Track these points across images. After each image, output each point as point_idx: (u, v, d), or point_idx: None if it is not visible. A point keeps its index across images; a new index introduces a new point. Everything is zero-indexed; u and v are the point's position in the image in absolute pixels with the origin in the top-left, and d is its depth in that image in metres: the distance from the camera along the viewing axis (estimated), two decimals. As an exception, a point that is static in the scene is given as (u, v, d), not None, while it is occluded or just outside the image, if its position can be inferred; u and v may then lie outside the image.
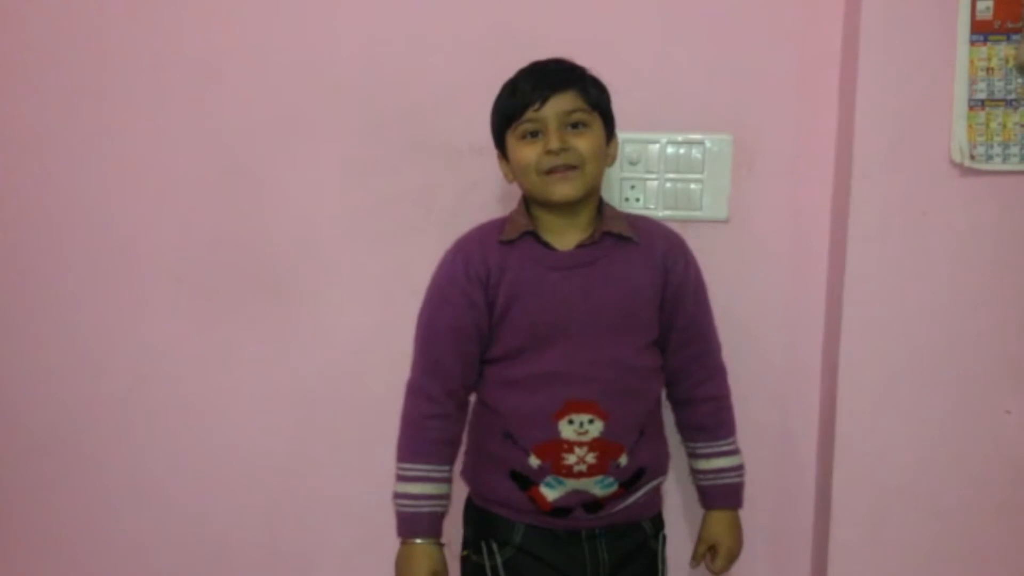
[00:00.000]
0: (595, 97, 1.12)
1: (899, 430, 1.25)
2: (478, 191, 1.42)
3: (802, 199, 1.35)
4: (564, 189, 1.09)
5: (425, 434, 1.15)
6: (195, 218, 1.51)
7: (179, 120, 1.50)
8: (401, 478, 1.16)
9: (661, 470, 1.20)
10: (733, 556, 1.22)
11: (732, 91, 1.35)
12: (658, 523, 1.22)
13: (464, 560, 1.21)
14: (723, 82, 1.35)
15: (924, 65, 1.21)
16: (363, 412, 1.50)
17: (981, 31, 1.19)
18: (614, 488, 1.12)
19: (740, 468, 1.23)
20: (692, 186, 1.36)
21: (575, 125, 1.10)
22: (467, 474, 1.22)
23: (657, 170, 1.36)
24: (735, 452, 1.23)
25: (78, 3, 1.51)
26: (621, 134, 1.34)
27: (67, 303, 1.57)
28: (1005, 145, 1.20)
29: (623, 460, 1.12)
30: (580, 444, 1.10)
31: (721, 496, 1.22)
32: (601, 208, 1.17)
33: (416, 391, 1.16)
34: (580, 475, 1.11)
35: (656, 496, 1.21)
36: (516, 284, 1.12)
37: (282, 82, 1.46)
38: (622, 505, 1.15)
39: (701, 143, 1.35)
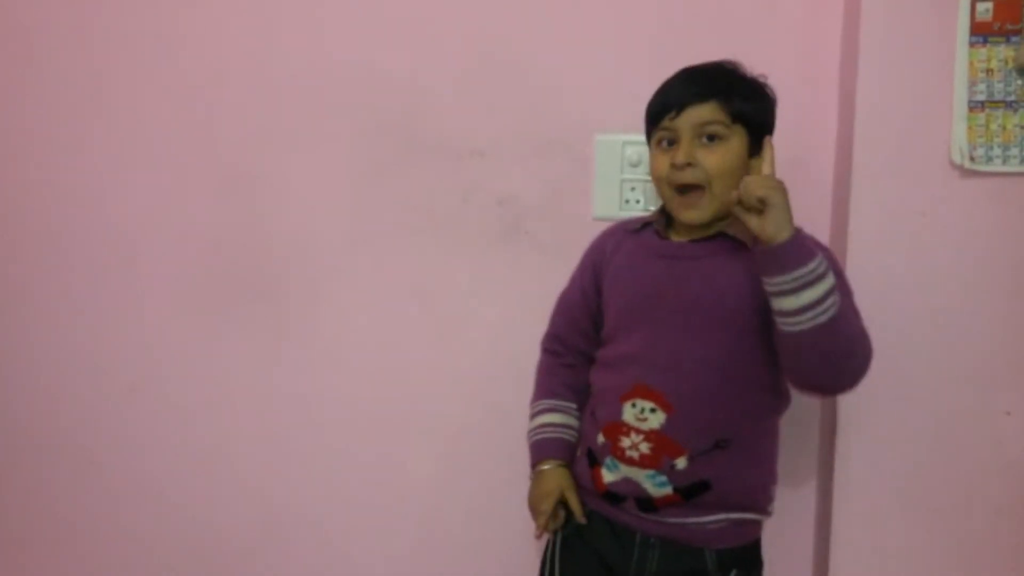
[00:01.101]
0: (739, 108, 1.07)
1: (899, 431, 1.25)
2: (478, 194, 1.43)
3: (802, 200, 1.35)
4: (691, 215, 1.09)
5: (548, 377, 1.25)
6: (195, 221, 1.51)
7: (179, 124, 1.50)
8: (532, 416, 1.25)
9: (743, 500, 1.11)
10: (761, 184, 1.00)
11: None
12: (728, 560, 1.10)
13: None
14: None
15: (924, 67, 1.21)
16: (363, 414, 1.50)
17: (981, 33, 1.19)
18: (667, 490, 1.08)
19: (825, 263, 0.99)
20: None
21: (711, 137, 1.07)
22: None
23: (657, 172, 1.36)
24: (833, 286, 0.99)
25: (78, 6, 1.51)
26: (622, 136, 1.34)
27: (67, 305, 1.57)
28: (1005, 147, 1.20)
29: (681, 463, 1.07)
30: (637, 431, 1.08)
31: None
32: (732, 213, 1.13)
33: (542, 347, 1.29)
34: (632, 462, 1.09)
35: (736, 529, 1.11)
36: (620, 267, 1.15)
37: (282, 86, 1.46)
38: (680, 520, 1.09)
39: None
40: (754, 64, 1.34)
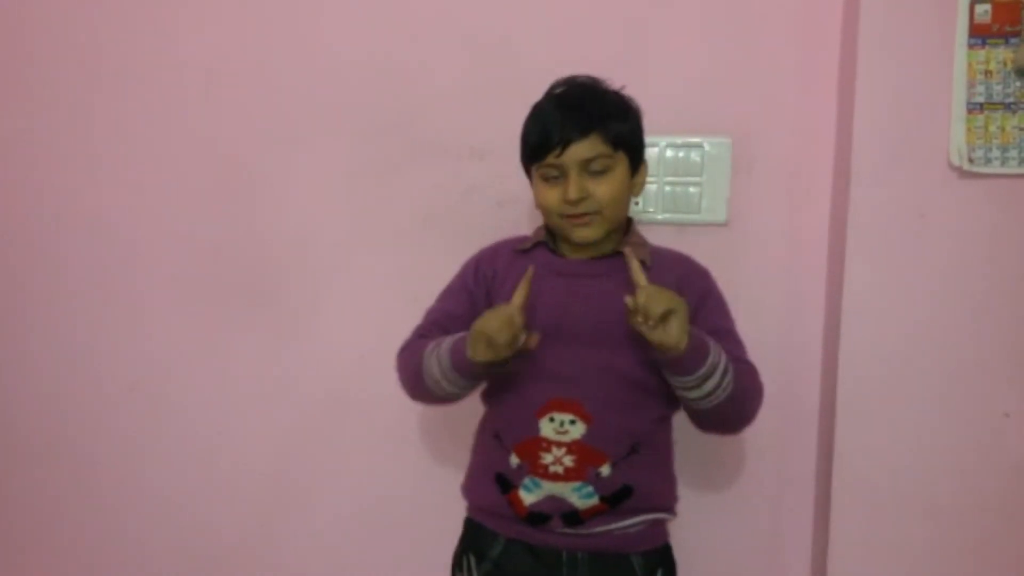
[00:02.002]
0: (616, 135, 1.09)
1: (898, 432, 1.25)
2: (477, 195, 1.43)
3: (801, 202, 1.36)
4: (584, 233, 1.11)
5: (417, 345, 1.16)
6: (195, 223, 1.52)
7: (179, 125, 1.51)
8: (426, 362, 1.12)
9: (659, 501, 1.13)
10: (650, 295, 1.01)
11: (731, 95, 1.35)
12: (652, 562, 1.13)
13: None
14: (722, 86, 1.35)
15: (923, 68, 1.21)
16: (363, 416, 1.50)
17: (979, 35, 1.19)
18: (594, 500, 1.08)
19: (715, 345, 1.04)
20: (691, 189, 1.36)
21: (597, 171, 1.09)
22: (464, 486, 1.22)
23: (656, 173, 1.36)
24: (721, 350, 1.05)
25: (78, 8, 1.51)
26: (621, 138, 1.34)
27: (66, 306, 1.58)
28: (1003, 148, 1.20)
29: (605, 470, 1.08)
30: (559, 444, 1.08)
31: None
32: (628, 232, 1.17)
33: (401, 349, 1.19)
34: (556, 477, 1.08)
35: (653, 531, 1.14)
36: (516, 285, 1.11)
37: (281, 87, 1.46)
38: (605, 527, 1.09)
39: (700, 146, 1.35)
40: (753, 67, 1.35)
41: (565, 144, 1.08)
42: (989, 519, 1.25)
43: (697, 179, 1.36)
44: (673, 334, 0.99)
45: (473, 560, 1.16)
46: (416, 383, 1.15)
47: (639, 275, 1.04)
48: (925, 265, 1.23)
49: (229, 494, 1.56)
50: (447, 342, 1.11)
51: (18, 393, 1.61)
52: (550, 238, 1.17)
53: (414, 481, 1.50)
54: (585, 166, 1.09)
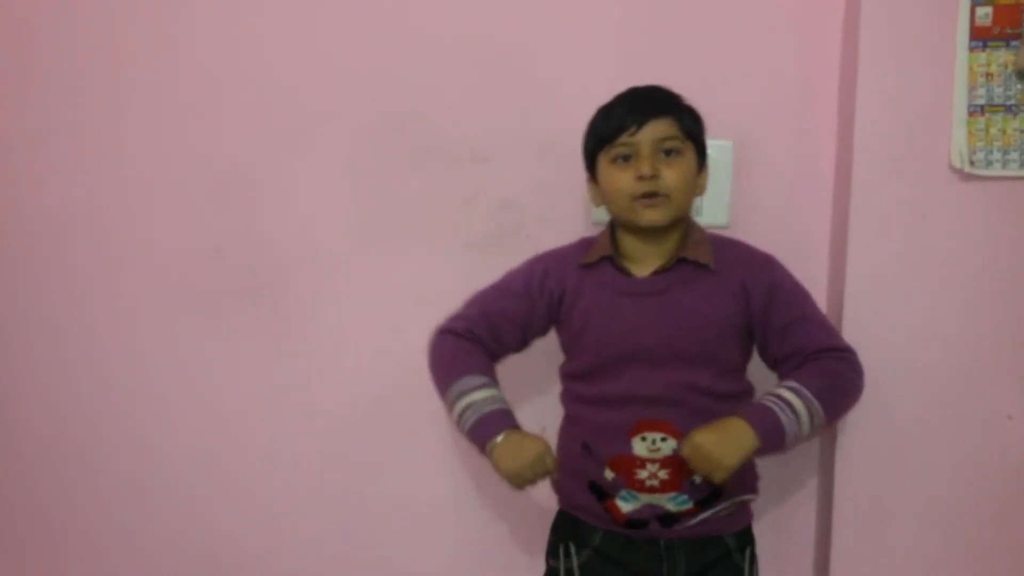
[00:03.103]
0: (689, 126, 1.13)
1: (900, 434, 1.25)
2: (480, 200, 1.43)
3: (802, 205, 1.36)
4: (651, 215, 1.11)
5: (468, 357, 1.17)
6: (196, 227, 1.52)
7: (180, 129, 1.51)
8: (457, 398, 1.14)
9: (744, 490, 1.17)
10: (697, 453, 1.05)
11: (732, 97, 1.35)
12: (744, 539, 1.19)
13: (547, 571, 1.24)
14: (723, 88, 1.35)
15: (924, 71, 1.21)
16: (363, 418, 1.50)
17: (980, 37, 1.19)
18: (688, 505, 1.13)
19: (789, 404, 1.07)
20: (693, 192, 1.36)
21: (668, 152, 1.10)
22: (554, 483, 1.23)
23: (658, 176, 1.36)
24: (795, 391, 1.08)
25: (78, 9, 1.51)
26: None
27: (66, 309, 1.58)
28: (1005, 151, 1.20)
29: (697, 478, 1.11)
30: (652, 460, 1.11)
31: (744, 406, 1.11)
32: (687, 233, 1.17)
33: (445, 331, 1.20)
34: (653, 490, 1.12)
35: (741, 513, 1.19)
36: (590, 308, 1.15)
37: (283, 89, 1.46)
38: (697, 519, 1.13)
39: (701, 149, 1.35)
40: (754, 69, 1.35)
41: (641, 123, 1.09)
42: (992, 521, 1.25)
43: (699, 181, 1.36)
44: (723, 469, 1.05)
45: (573, 547, 1.19)
46: (438, 388, 1.19)
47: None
48: (926, 267, 1.23)
49: (229, 497, 1.56)
50: (475, 414, 1.12)
51: (18, 395, 1.61)
52: (615, 250, 1.16)
53: (415, 482, 1.50)
54: (659, 146, 1.10)
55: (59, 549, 1.63)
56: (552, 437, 1.21)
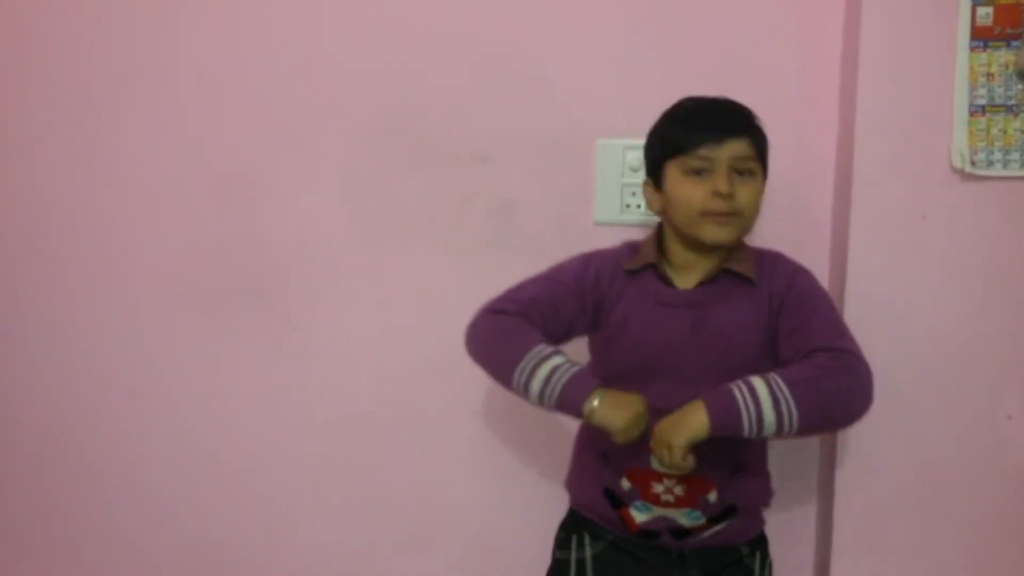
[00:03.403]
0: (762, 147, 1.12)
1: (900, 435, 1.25)
2: (479, 200, 1.43)
3: (803, 205, 1.36)
4: (719, 233, 1.09)
5: (527, 332, 1.10)
6: (195, 226, 1.52)
7: (179, 128, 1.51)
8: (535, 367, 1.06)
9: (758, 505, 1.18)
10: (655, 442, 1.04)
11: (733, 97, 1.34)
12: (756, 546, 1.19)
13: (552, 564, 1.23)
14: (723, 87, 1.34)
15: (924, 71, 1.21)
16: (363, 417, 1.50)
17: (981, 37, 1.19)
18: (702, 521, 1.13)
19: (752, 389, 1.01)
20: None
21: (742, 172, 1.09)
22: (569, 484, 1.24)
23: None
24: (766, 381, 1.01)
25: (79, 12, 1.51)
26: (623, 140, 1.34)
27: (66, 309, 1.58)
28: (1006, 151, 1.20)
29: (712, 496, 1.11)
30: (669, 476, 1.10)
31: (710, 389, 1.04)
32: (735, 246, 1.14)
33: (492, 311, 1.14)
34: (668, 505, 1.11)
35: (755, 522, 1.19)
36: (627, 314, 1.13)
37: (283, 90, 1.46)
38: (709, 533, 1.13)
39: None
40: (754, 68, 1.35)
41: (723, 140, 1.07)
42: (991, 522, 1.25)
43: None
44: (670, 457, 1.02)
45: (587, 538, 1.19)
46: (498, 370, 1.11)
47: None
48: (927, 267, 1.23)
49: (229, 498, 1.56)
50: (564, 375, 1.05)
51: (18, 395, 1.61)
52: (660, 257, 1.15)
53: (415, 481, 1.50)
54: (736, 164, 1.08)
55: (59, 549, 1.63)
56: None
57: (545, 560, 1.25)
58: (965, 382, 1.24)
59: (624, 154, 1.36)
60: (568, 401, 1.05)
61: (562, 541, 1.22)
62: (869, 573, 1.28)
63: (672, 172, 1.11)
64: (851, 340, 1.07)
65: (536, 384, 1.06)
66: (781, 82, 1.34)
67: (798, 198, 1.35)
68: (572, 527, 1.22)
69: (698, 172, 1.09)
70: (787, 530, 1.39)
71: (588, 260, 1.18)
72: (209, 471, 1.56)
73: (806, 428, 1.03)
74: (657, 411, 1.07)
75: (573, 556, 1.19)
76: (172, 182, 1.52)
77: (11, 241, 1.59)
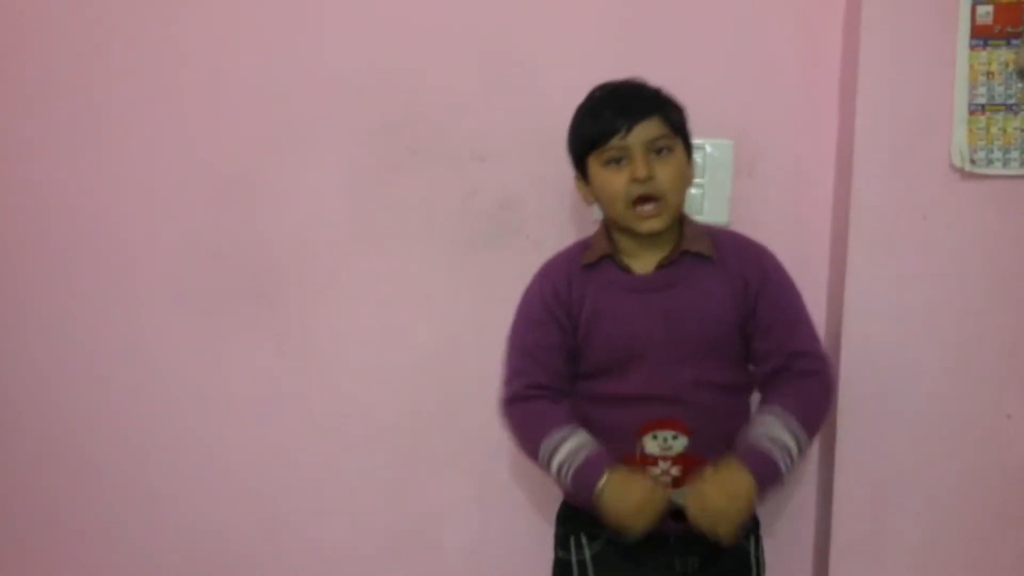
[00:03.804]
0: (676, 121, 1.12)
1: (899, 433, 1.25)
2: (479, 198, 1.43)
3: (803, 204, 1.36)
4: (651, 224, 1.11)
5: (547, 415, 1.15)
6: (195, 224, 1.52)
7: (179, 127, 1.51)
8: (550, 457, 1.12)
9: None
10: (710, 517, 1.05)
11: (733, 96, 1.35)
12: (750, 526, 1.19)
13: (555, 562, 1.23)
14: (724, 87, 1.35)
15: (924, 70, 1.21)
16: (363, 419, 1.50)
17: (981, 36, 1.19)
18: None
19: (780, 442, 1.07)
20: (693, 191, 1.35)
21: (659, 151, 1.10)
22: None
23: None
24: (785, 427, 1.08)
25: (79, 11, 1.51)
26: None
27: (67, 308, 1.58)
28: (1005, 149, 1.20)
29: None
30: (664, 458, 1.11)
31: (752, 455, 1.07)
32: (682, 225, 1.16)
33: (511, 400, 1.18)
34: (666, 487, 1.11)
35: None
36: (595, 308, 1.14)
37: (283, 89, 1.46)
38: None
39: (702, 148, 1.35)
40: (755, 69, 1.35)
41: (631, 125, 1.08)
42: (991, 520, 1.25)
43: (699, 180, 1.35)
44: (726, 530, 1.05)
45: (584, 539, 1.18)
46: (530, 454, 1.16)
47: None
48: (927, 266, 1.23)
49: (228, 495, 1.56)
50: (570, 469, 1.09)
51: (18, 395, 1.61)
52: (613, 248, 1.16)
53: (417, 483, 1.50)
54: (651, 146, 1.09)
55: (59, 549, 1.63)
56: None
57: (545, 559, 1.25)
58: (965, 381, 1.24)
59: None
60: (580, 495, 1.10)
61: (562, 540, 1.22)
62: (869, 573, 1.28)
63: (593, 165, 1.13)
64: (818, 340, 1.17)
65: (554, 476, 1.13)
66: (781, 82, 1.34)
67: (798, 198, 1.35)
68: (569, 523, 1.21)
69: (616, 161, 1.11)
70: (786, 529, 1.39)
71: (542, 281, 1.20)
72: (209, 471, 1.56)
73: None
74: (657, 398, 1.10)
75: (574, 557, 1.19)
76: (172, 182, 1.52)
77: (11, 241, 1.59)
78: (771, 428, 1.08)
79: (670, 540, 1.14)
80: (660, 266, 1.14)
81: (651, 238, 1.13)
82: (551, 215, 1.41)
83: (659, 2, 1.36)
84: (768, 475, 1.07)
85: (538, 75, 1.40)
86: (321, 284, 1.49)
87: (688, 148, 1.15)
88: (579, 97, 1.38)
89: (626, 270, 1.15)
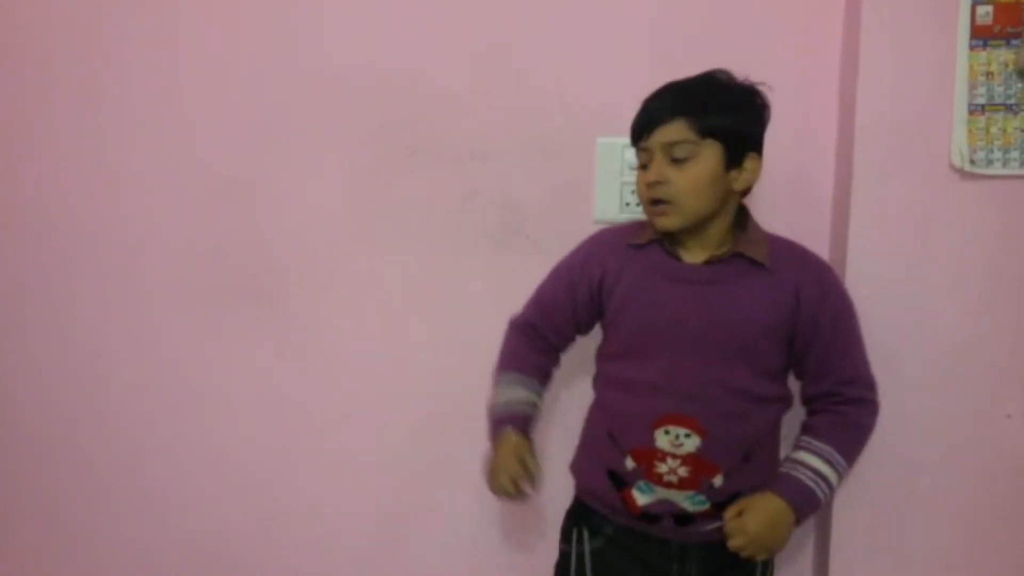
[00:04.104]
0: (710, 123, 1.08)
1: (899, 434, 1.25)
2: (479, 197, 1.43)
3: (802, 203, 1.35)
4: (663, 222, 1.12)
5: (517, 353, 1.24)
6: (196, 225, 1.52)
7: (180, 127, 1.51)
8: (498, 385, 1.23)
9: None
10: (752, 544, 1.09)
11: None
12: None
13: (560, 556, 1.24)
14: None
15: (924, 70, 1.21)
16: (365, 417, 1.50)
17: (981, 36, 1.19)
18: (705, 506, 1.12)
19: (825, 479, 1.11)
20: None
21: (677, 159, 1.09)
22: (574, 467, 1.25)
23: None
24: (830, 463, 1.12)
25: (79, 11, 1.51)
26: (623, 139, 1.34)
27: (67, 308, 1.58)
28: (1005, 149, 1.20)
29: (718, 481, 1.11)
30: (674, 456, 1.10)
31: (784, 482, 1.11)
32: (745, 226, 1.16)
33: (512, 323, 1.26)
34: (670, 486, 1.11)
35: None
36: (632, 289, 1.15)
37: (283, 89, 1.46)
38: (714, 525, 1.13)
39: (702, 148, 1.35)
40: (754, 68, 1.34)
41: (651, 129, 1.10)
42: (991, 520, 1.25)
43: (699, 181, 1.35)
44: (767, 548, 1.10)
45: (586, 533, 1.20)
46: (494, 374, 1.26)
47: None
48: (927, 266, 1.23)
49: (229, 495, 1.56)
50: (495, 407, 1.22)
51: (19, 394, 1.62)
52: (666, 235, 1.15)
53: (418, 482, 1.50)
54: (668, 151, 1.09)
55: (59, 549, 1.63)
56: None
57: (549, 555, 1.25)
58: (965, 381, 1.24)
59: (624, 152, 1.36)
60: (490, 432, 1.21)
61: (566, 532, 1.23)
62: (869, 573, 1.28)
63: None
64: (868, 364, 1.16)
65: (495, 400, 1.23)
66: (781, 81, 1.33)
67: (798, 197, 1.35)
68: (575, 518, 1.23)
69: (644, 165, 1.12)
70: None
71: (589, 244, 1.22)
72: (209, 470, 1.56)
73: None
74: (678, 392, 1.10)
75: (574, 550, 1.20)
76: (172, 182, 1.52)
77: (11, 241, 1.59)
78: (814, 460, 1.11)
79: (673, 545, 1.15)
80: (709, 261, 1.13)
81: (691, 232, 1.13)
82: (551, 215, 1.41)
83: (659, 3, 1.36)
84: (806, 507, 1.11)
85: (539, 75, 1.40)
86: (321, 284, 1.49)
87: (735, 149, 1.10)
88: (579, 97, 1.40)
89: (675, 257, 1.14)
